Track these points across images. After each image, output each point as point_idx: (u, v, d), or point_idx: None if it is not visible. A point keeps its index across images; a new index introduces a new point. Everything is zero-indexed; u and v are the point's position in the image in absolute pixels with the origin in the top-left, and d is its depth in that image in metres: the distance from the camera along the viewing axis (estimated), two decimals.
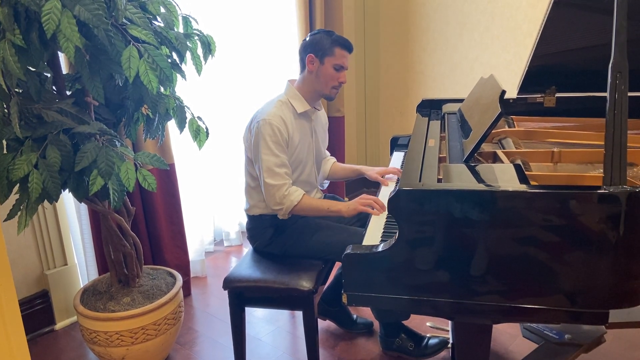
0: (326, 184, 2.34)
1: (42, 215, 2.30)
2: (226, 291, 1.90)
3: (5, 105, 1.56)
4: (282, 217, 1.94)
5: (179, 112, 1.87)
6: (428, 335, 2.11)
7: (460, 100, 2.16)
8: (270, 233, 2.00)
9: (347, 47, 1.93)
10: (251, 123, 1.96)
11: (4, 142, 1.62)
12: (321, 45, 1.91)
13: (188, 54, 1.79)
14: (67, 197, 2.39)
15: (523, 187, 1.22)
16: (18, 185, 1.62)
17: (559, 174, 1.51)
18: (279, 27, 3.17)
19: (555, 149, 1.68)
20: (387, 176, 2.16)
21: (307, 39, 1.96)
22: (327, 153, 2.32)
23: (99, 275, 2.44)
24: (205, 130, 1.94)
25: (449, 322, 2.05)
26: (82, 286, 2.34)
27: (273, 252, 2.02)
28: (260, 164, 1.89)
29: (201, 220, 3.00)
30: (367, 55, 3.82)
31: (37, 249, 2.34)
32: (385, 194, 2.04)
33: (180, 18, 1.80)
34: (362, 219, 2.06)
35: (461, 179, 1.36)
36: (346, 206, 1.89)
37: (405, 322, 2.13)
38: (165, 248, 2.59)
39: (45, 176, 1.55)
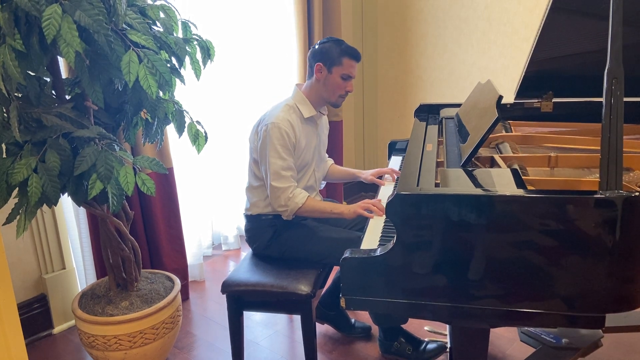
0: (322, 184, 2.36)
1: (40, 219, 2.30)
2: (224, 295, 1.90)
3: (4, 110, 1.56)
4: (287, 218, 1.97)
5: (177, 116, 1.87)
6: (426, 339, 2.11)
7: (458, 105, 2.17)
8: (269, 235, 2.01)
9: (356, 57, 1.95)
10: (258, 125, 1.99)
11: (4, 146, 1.63)
12: (330, 55, 1.93)
13: (187, 59, 1.80)
14: (66, 201, 2.39)
15: (520, 192, 1.23)
16: (17, 189, 1.62)
17: (555, 179, 1.52)
18: (277, 33, 3.18)
19: (552, 154, 1.69)
20: (384, 177, 2.18)
21: (317, 46, 1.97)
22: (325, 155, 2.35)
23: (97, 279, 2.44)
24: (204, 134, 1.94)
25: (447, 326, 2.06)
26: (80, 290, 2.34)
27: (272, 254, 2.03)
28: (268, 166, 1.91)
29: (199, 224, 3.00)
30: (365, 60, 3.84)
31: (35, 252, 2.34)
32: (383, 195, 2.06)
33: (179, 23, 1.81)
34: (360, 223, 2.07)
35: (459, 183, 1.37)
36: (347, 208, 1.91)
37: (403, 326, 2.14)
38: (163, 252, 2.59)
39: (44, 180, 1.55)
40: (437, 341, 2.09)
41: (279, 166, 1.90)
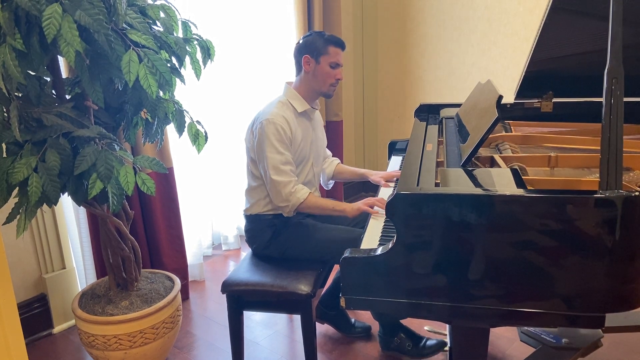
0: (331, 184, 2.36)
1: (40, 218, 2.30)
2: (224, 295, 1.90)
3: (5, 109, 1.56)
4: (287, 214, 1.97)
5: (178, 116, 1.87)
6: (426, 336, 2.12)
7: (458, 105, 2.18)
8: (269, 234, 2.01)
9: (340, 44, 1.99)
10: (253, 124, 2.00)
11: (4, 145, 1.63)
12: (315, 46, 1.96)
13: (187, 59, 1.80)
14: (66, 201, 2.39)
15: (520, 192, 1.23)
16: (17, 188, 1.62)
17: (555, 179, 1.52)
18: (277, 33, 3.18)
19: (552, 154, 1.69)
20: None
21: (301, 41, 2.01)
22: (329, 153, 2.36)
23: (97, 279, 2.44)
24: (204, 134, 1.94)
25: (447, 326, 2.06)
26: (80, 290, 2.34)
27: (271, 254, 2.03)
28: (266, 162, 1.92)
29: (200, 224, 3.00)
30: (365, 60, 3.84)
31: (35, 252, 2.34)
32: (383, 195, 2.06)
33: (179, 23, 1.81)
34: (360, 222, 2.08)
35: (459, 183, 1.37)
36: (350, 207, 1.92)
37: (404, 323, 2.14)
38: (163, 252, 2.59)
39: (44, 180, 1.55)
40: (437, 338, 2.10)
41: (278, 160, 1.91)
